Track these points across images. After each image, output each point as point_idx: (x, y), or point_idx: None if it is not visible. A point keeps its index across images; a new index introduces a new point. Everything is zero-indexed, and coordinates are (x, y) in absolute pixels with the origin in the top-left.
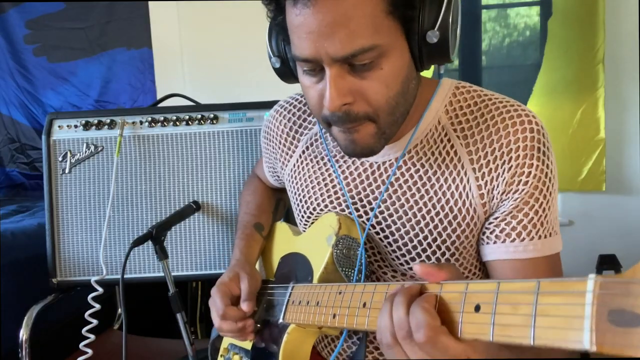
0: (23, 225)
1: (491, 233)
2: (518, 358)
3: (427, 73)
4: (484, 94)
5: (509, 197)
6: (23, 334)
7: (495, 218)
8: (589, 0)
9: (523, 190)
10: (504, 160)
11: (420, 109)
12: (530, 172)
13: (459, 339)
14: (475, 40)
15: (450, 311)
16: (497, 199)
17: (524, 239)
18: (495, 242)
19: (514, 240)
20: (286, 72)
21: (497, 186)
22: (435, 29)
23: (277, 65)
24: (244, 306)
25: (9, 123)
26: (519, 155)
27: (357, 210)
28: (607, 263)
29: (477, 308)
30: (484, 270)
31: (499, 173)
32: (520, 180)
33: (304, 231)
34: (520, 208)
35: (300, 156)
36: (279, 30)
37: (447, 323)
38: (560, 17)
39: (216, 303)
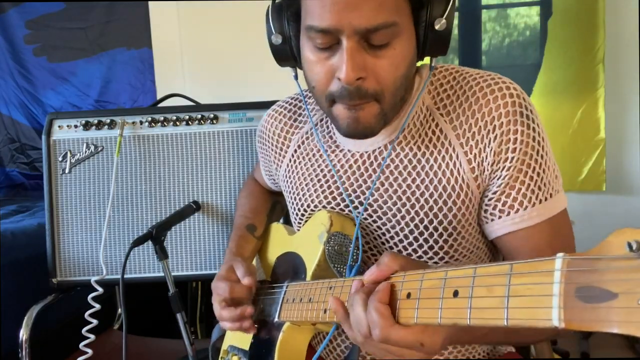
0: (23, 225)
1: (494, 209)
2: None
3: None
4: (462, 69)
5: (499, 167)
6: (23, 334)
7: (494, 193)
8: (589, 0)
9: (513, 157)
10: (488, 130)
11: (405, 95)
12: (516, 139)
13: (411, 326)
14: (475, 40)
15: (431, 297)
16: (488, 170)
17: (526, 207)
18: (500, 217)
19: (517, 210)
20: (285, 51)
21: (486, 157)
22: (444, 17)
23: (279, 41)
24: (245, 280)
25: (9, 123)
26: (502, 123)
27: (352, 202)
28: None
29: (455, 293)
30: (486, 250)
31: (485, 144)
32: (508, 147)
33: (299, 230)
34: (516, 177)
35: (293, 155)
36: (286, 6)
37: (427, 310)
38: (560, 17)
39: (220, 287)
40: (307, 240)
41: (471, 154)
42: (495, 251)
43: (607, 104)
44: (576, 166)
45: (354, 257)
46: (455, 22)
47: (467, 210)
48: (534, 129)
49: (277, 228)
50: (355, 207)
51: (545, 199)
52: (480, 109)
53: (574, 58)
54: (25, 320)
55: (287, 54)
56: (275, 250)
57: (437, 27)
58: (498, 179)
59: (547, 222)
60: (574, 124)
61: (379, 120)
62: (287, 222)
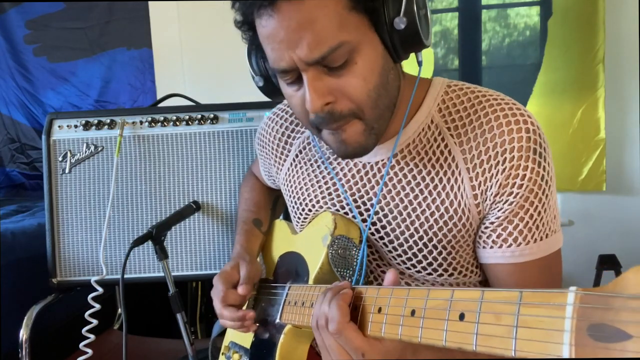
0: (23, 225)
1: (488, 238)
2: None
3: (428, 74)
4: (478, 91)
5: (502, 200)
6: (23, 334)
7: (492, 223)
8: (589, 0)
9: (518, 193)
10: (498, 161)
11: (411, 108)
12: (525, 175)
13: (365, 335)
14: (475, 40)
15: (436, 318)
16: (490, 200)
17: (520, 243)
18: (492, 247)
19: (510, 245)
20: (270, 89)
21: (491, 187)
22: (401, 15)
23: (261, 84)
24: (240, 289)
25: (9, 123)
26: (513, 157)
27: (361, 214)
28: (607, 263)
29: (462, 316)
30: (482, 269)
31: (492, 174)
32: (515, 183)
33: (301, 230)
34: (516, 212)
35: (293, 160)
36: (255, 49)
37: (432, 330)
38: (560, 17)
39: (217, 288)
40: (310, 241)
41: (476, 180)
42: None
43: (607, 104)
44: (576, 166)
45: (359, 268)
46: (455, 22)
47: (466, 232)
48: (544, 167)
49: (281, 225)
50: (363, 219)
51: (541, 239)
52: (493, 138)
53: (574, 58)
54: (25, 320)
55: (274, 91)
56: (278, 249)
57: (397, 28)
58: (499, 211)
59: (537, 261)
60: (574, 124)
61: (367, 136)
62: (287, 217)
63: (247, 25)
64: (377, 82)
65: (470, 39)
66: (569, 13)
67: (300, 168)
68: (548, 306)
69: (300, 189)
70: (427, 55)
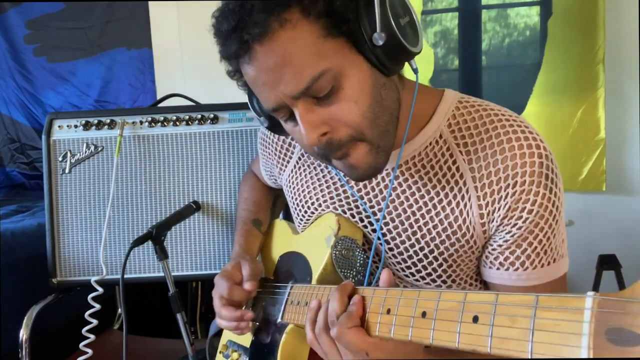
0: (23, 225)
1: (495, 259)
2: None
3: (428, 74)
4: (490, 109)
5: (511, 223)
6: (23, 334)
7: (499, 245)
8: (589, 0)
9: (527, 218)
10: (508, 184)
11: (419, 120)
12: (535, 201)
13: (372, 336)
14: (475, 40)
15: (448, 320)
16: (497, 221)
17: (527, 268)
18: (498, 269)
19: (517, 269)
20: (276, 126)
21: (499, 209)
22: (379, 30)
23: (266, 124)
24: (247, 285)
25: (9, 123)
26: (524, 181)
27: (360, 213)
28: (607, 263)
29: (475, 319)
30: (482, 282)
31: (501, 196)
32: (525, 207)
33: (303, 230)
34: (525, 237)
35: (297, 162)
36: (251, 92)
37: (444, 332)
38: (560, 17)
39: (221, 285)
40: (313, 242)
41: (484, 200)
42: None
43: (607, 104)
44: (576, 166)
45: (364, 267)
46: (455, 22)
47: (469, 248)
48: (555, 193)
49: (281, 225)
50: (361, 220)
51: (548, 264)
52: (505, 160)
53: (574, 58)
54: (25, 320)
55: (279, 127)
56: (278, 248)
57: (376, 43)
58: (507, 234)
59: (543, 285)
60: (574, 124)
61: (376, 155)
62: (287, 216)
63: (239, 74)
64: (370, 101)
65: (470, 39)
66: (569, 13)
67: (304, 170)
68: (565, 310)
69: (304, 190)
70: (427, 55)
